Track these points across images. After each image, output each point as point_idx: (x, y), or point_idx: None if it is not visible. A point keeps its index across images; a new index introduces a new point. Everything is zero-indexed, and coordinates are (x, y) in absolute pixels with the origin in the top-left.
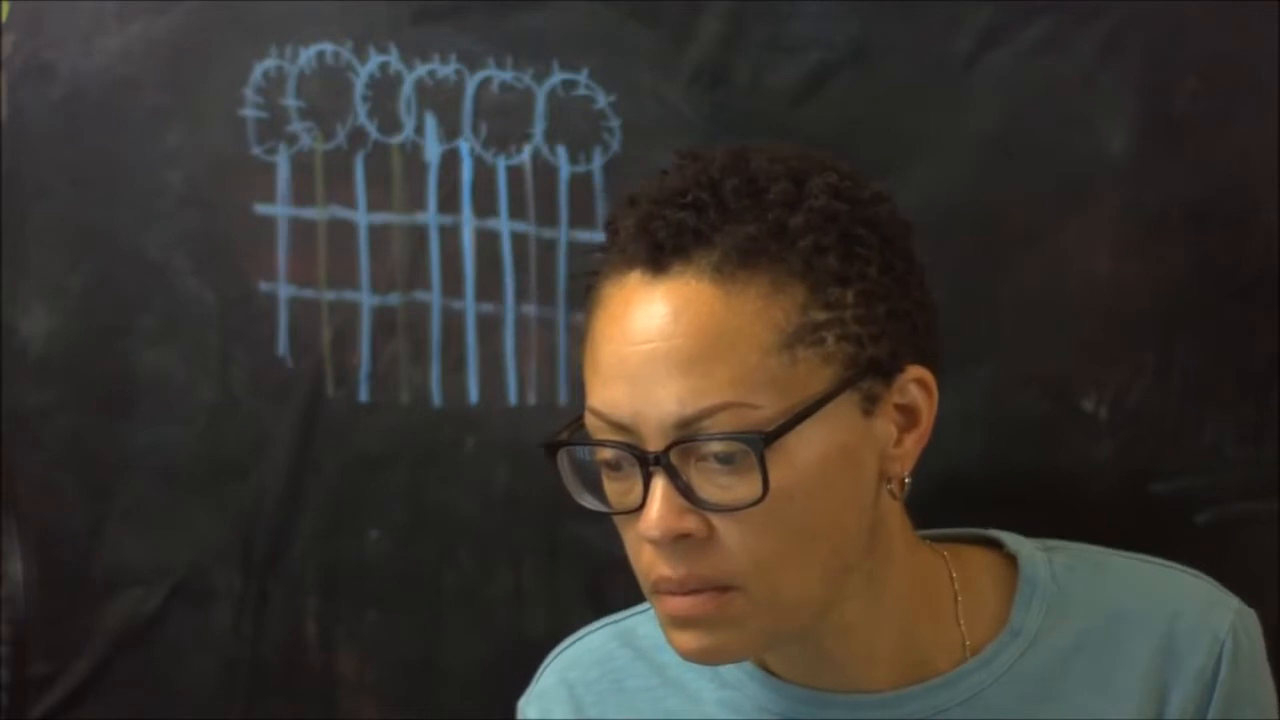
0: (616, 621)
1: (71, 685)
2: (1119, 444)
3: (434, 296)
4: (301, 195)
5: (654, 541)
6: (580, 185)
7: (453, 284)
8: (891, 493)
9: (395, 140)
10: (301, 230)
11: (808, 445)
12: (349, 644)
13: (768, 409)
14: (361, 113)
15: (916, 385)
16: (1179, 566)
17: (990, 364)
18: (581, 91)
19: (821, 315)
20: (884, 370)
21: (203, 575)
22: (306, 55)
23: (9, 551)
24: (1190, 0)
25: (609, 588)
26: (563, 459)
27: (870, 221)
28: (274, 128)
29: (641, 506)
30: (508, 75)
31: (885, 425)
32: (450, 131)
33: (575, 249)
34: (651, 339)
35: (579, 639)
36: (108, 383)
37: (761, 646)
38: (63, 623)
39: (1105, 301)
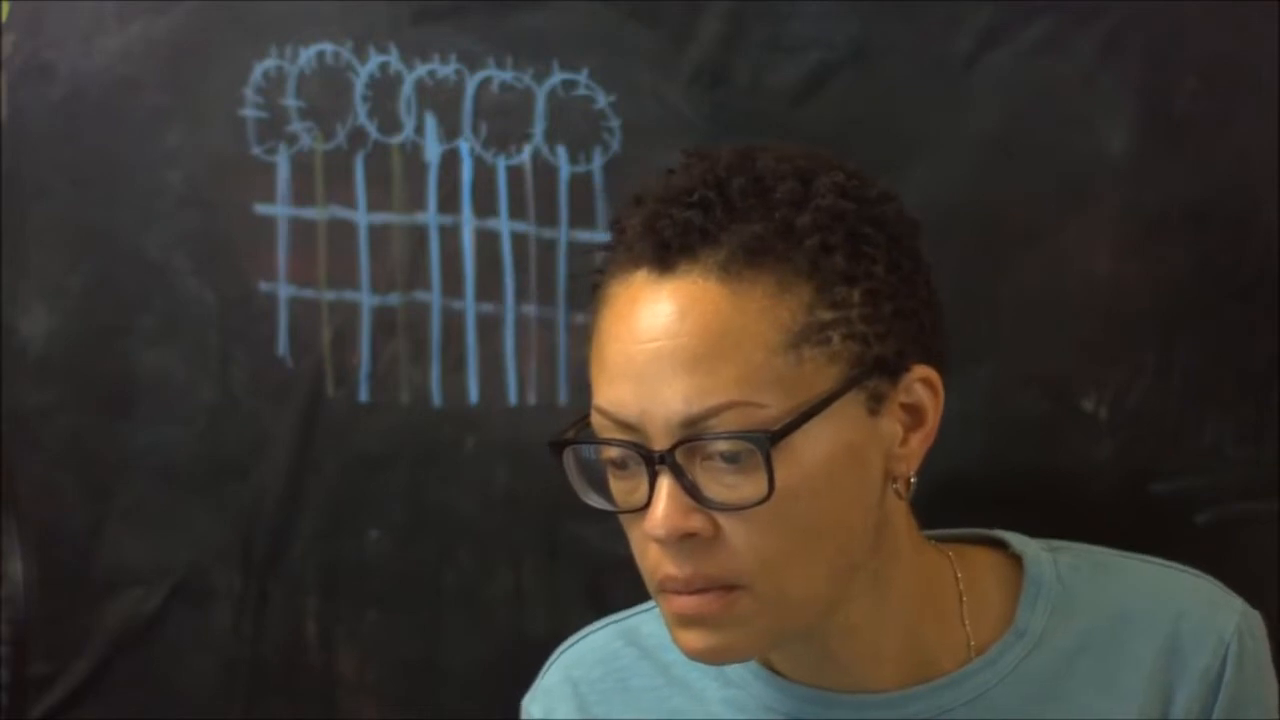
0: (621, 620)
1: (71, 685)
2: (1119, 444)
3: (434, 296)
4: (301, 195)
5: (660, 540)
6: (580, 185)
7: (453, 284)
8: (897, 492)
9: (395, 140)
10: (301, 230)
11: (813, 444)
12: (349, 644)
13: (773, 408)
14: (361, 113)
15: (922, 385)
16: (1183, 567)
17: (990, 364)
18: (581, 91)
19: (828, 314)
20: (890, 369)
21: (203, 575)
22: (306, 55)
23: (9, 551)
24: (1190, 0)
25: (609, 588)
26: (568, 457)
27: (877, 220)
28: (274, 128)
29: (647, 505)
30: (508, 75)
31: (891, 424)
32: (450, 131)
33: (575, 249)
34: (657, 338)
35: (583, 637)
36: (108, 383)
37: (767, 646)
38: (63, 623)
39: (1105, 301)
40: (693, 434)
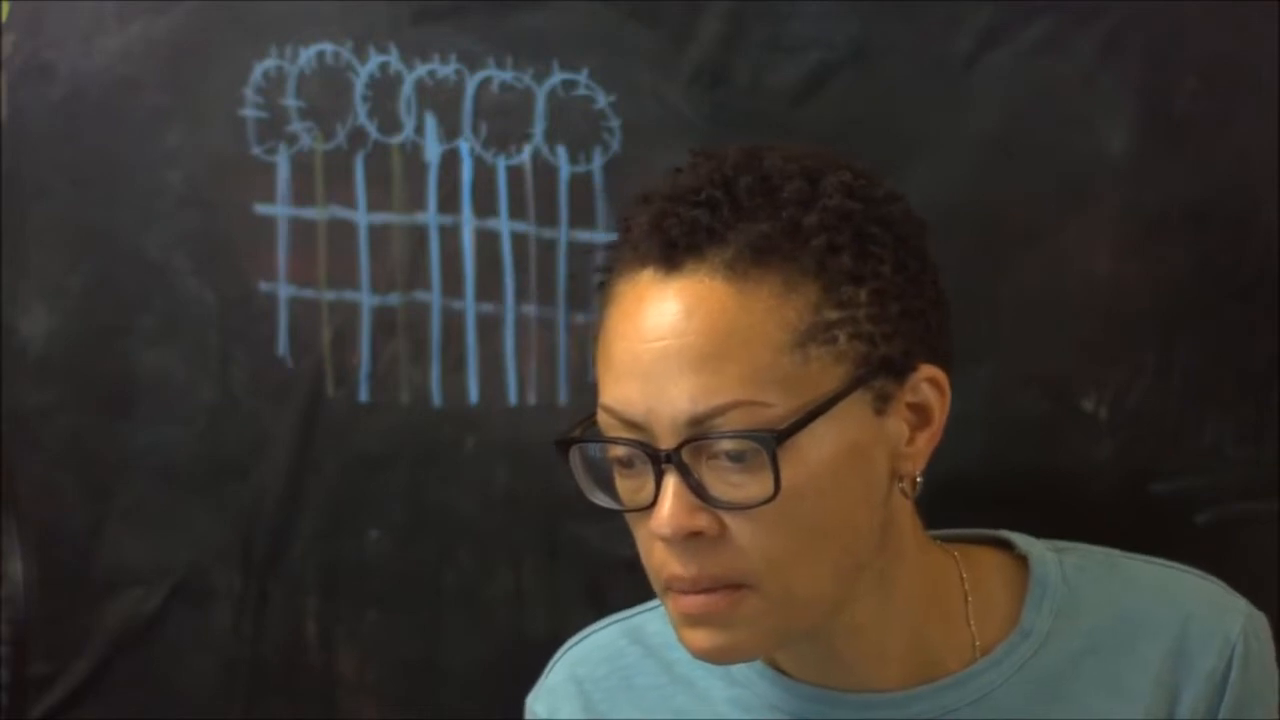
0: (626, 618)
1: (71, 685)
2: (1119, 444)
3: (434, 296)
4: (301, 195)
5: (666, 539)
6: (580, 185)
7: (453, 284)
8: (903, 491)
9: (395, 140)
10: (301, 230)
11: (819, 444)
12: (349, 644)
13: (779, 407)
14: (361, 113)
15: (929, 384)
16: (1189, 569)
17: (990, 364)
18: (581, 91)
19: (834, 314)
20: (896, 369)
21: (203, 575)
22: (306, 55)
23: (9, 551)
24: (1190, 0)
25: (609, 588)
26: (575, 456)
27: (884, 220)
28: (274, 128)
29: (653, 504)
30: (508, 75)
31: (897, 424)
32: (450, 131)
33: (575, 249)
34: (664, 336)
35: (588, 635)
36: (108, 383)
37: (773, 645)
38: (63, 623)
39: (1105, 301)
40: (699, 433)
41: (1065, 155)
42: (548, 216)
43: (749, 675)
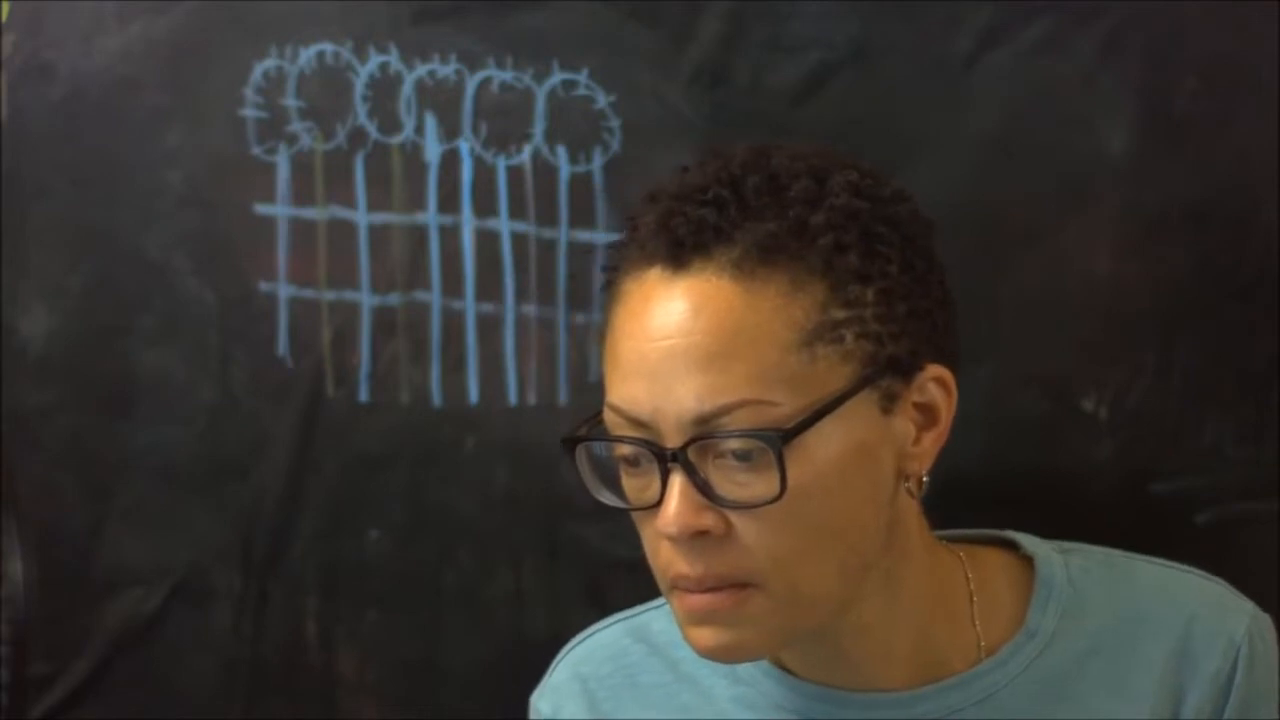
0: (630, 617)
1: (71, 685)
2: (1119, 444)
3: (434, 296)
4: (301, 195)
5: (672, 538)
6: (580, 185)
7: (453, 284)
8: (909, 491)
9: (395, 140)
10: (301, 230)
11: (826, 443)
12: (349, 644)
13: (786, 406)
14: (361, 113)
15: (935, 384)
16: (1193, 570)
17: (990, 364)
18: (581, 91)
19: (841, 313)
20: (903, 369)
21: (203, 575)
22: (306, 55)
23: (9, 551)
24: (1190, 0)
25: (609, 588)
26: (581, 454)
27: (891, 220)
28: (274, 128)
29: (659, 503)
30: (508, 75)
31: (904, 424)
32: (450, 131)
33: (575, 249)
34: (671, 335)
35: (592, 634)
36: (108, 383)
37: (779, 644)
38: (63, 623)
39: (1105, 301)
40: (705, 432)
41: (1065, 155)
42: (548, 216)
43: (754, 674)
